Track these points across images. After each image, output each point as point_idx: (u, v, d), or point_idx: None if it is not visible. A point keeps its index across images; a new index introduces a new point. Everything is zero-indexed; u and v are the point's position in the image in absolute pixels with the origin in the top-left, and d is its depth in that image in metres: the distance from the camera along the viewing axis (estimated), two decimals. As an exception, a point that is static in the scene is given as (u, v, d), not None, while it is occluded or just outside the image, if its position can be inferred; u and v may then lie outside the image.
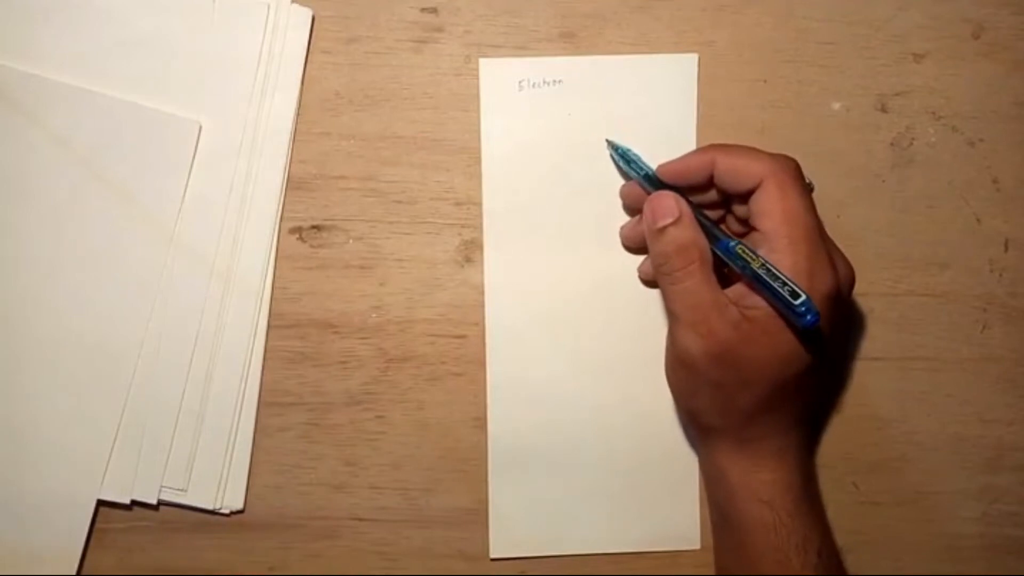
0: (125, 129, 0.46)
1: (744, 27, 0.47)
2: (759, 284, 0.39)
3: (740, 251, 0.40)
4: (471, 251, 0.47)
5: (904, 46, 0.47)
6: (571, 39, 0.47)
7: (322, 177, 0.47)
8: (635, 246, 0.47)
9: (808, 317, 0.38)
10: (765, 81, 0.47)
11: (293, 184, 0.47)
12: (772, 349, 0.40)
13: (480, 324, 0.47)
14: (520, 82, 0.47)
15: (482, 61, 0.47)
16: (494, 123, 0.47)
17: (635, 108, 0.47)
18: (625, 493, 0.48)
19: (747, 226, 0.43)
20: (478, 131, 0.47)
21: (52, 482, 0.46)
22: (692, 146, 0.47)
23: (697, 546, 0.48)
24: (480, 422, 0.47)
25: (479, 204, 0.47)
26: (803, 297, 0.38)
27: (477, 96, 0.47)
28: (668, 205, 0.42)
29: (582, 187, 0.47)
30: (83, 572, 0.47)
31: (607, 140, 0.47)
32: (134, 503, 0.47)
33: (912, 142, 0.47)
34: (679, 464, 0.48)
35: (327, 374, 0.47)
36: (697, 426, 0.45)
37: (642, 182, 0.45)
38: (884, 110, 0.48)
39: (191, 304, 0.46)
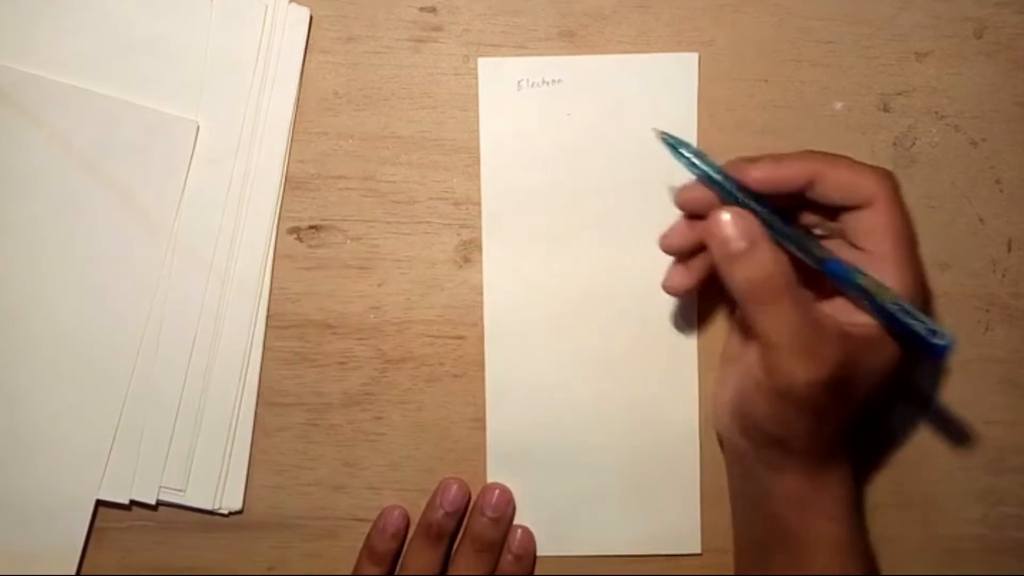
0: (123, 129, 0.46)
1: (745, 26, 0.47)
2: (882, 315, 0.38)
3: (862, 282, 0.38)
4: (470, 251, 0.47)
5: (906, 45, 0.47)
6: (570, 38, 0.47)
7: (320, 177, 0.47)
8: (679, 251, 0.43)
9: (943, 353, 0.38)
10: (766, 80, 0.47)
11: (291, 184, 0.47)
12: (873, 367, 0.39)
13: (479, 325, 0.47)
14: (519, 81, 0.47)
15: (481, 60, 0.47)
16: (493, 123, 0.47)
17: (635, 107, 0.47)
18: (625, 495, 0.48)
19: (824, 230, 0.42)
20: (477, 131, 0.47)
21: (51, 482, 0.46)
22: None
23: (698, 550, 0.48)
24: (479, 423, 0.47)
25: (478, 204, 0.47)
26: (947, 337, 0.37)
27: (476, 95, 0.47)
28: (744, 227, 0.38)
29: (582, 187, 0.47)
30: (82, 572, 0.47)
31: (660, 132, 0.42)
32: (133, 503, 0.47)
33: (915, 142, 0.47)
34: (680, 467, 0.48)
35: (325, 375, 0.47)
36: (776, 452, 0.41)
37: (713, 186, 0.40)
38: (886, 110, 0.47)
39: (189, 304, 0.46)
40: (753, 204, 0.40)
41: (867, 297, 0.39)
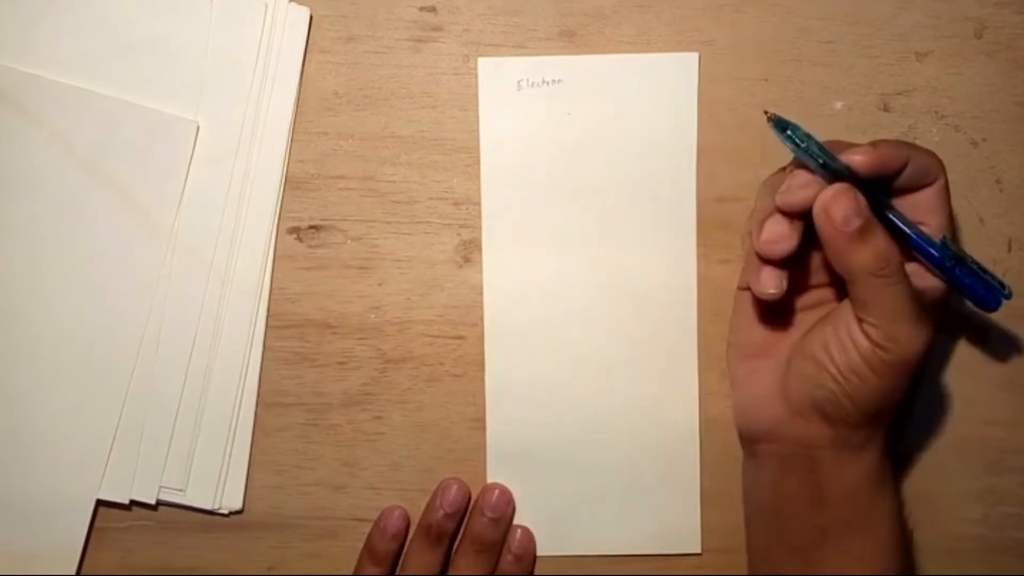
0: (124, 129, 0.46)
1: (745, 26, 0.47)
2: (960, 275, 0.41)
3: (952, 247, 0.41)
4: (470, 251, 0.47)
5: (906, 45, 0.47)
6: (570, 38, 0.47)
7: (320, 177, 0.47)
8: (790, 254, 0.41)
9: (1002, 301, 0.41)
10: (766, 80, 0.47)
11: (291, 184, 0.47)
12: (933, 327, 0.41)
13: (479, 325, 0.47)
14: (519, 81, 0.47)
15: (481, 60, 0.47)
16: (493, 122, 0.47)
17: (635, 107, 0.47)
18: (625, 495, 0.48)
19: None
20: (477, 130, 0.47)
21: (51, 482, 0.46)
22: (692, 146, 0.47)
23: (698, 550, 0.48)
24: (479, 423, 0.47)
25: (478, 204, 0.47)
26: (1007, 287, 0.41)
27: (476, 95, 0.47)
28: (861, 204, 0.39)
29: (582, 187, 0.47)
30: (82, 572, 0.47)
31: (768, 113, 0.41)
32: (133, 503, 0.47)
33: (915, 142, 0.47)
34: (680, 467, 0.48)
35: (325, 375, 0.47)
36: (866, 431, 0.41)
37: (819, 168, 0.39)
38: (887, 109, 0.47)
39: (189, 304, 0.46)
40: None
41: (950, 261, 0.41)
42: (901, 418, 0.43)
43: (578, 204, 0.47)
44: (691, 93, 0.47)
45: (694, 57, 0.47)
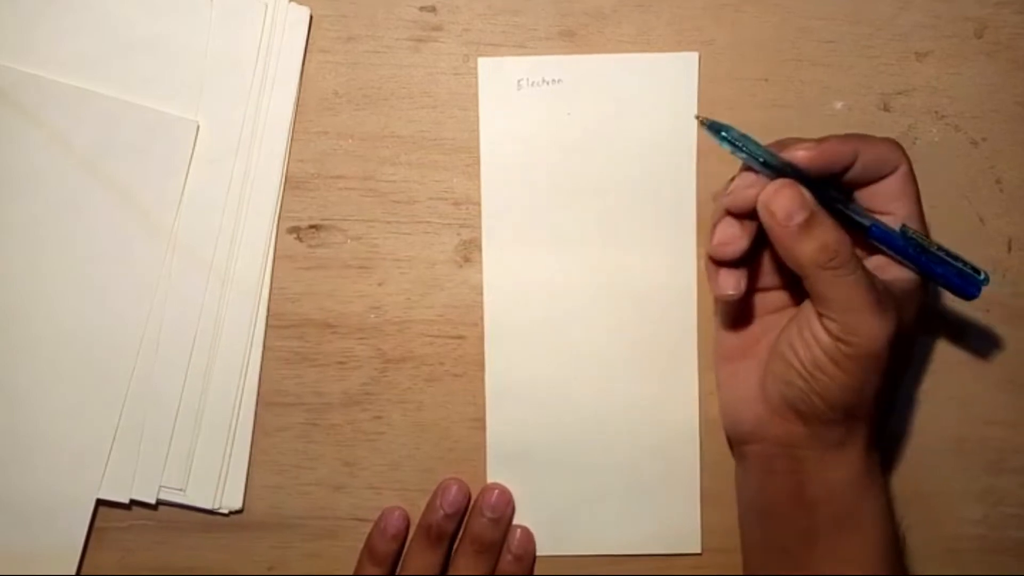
0: (124, 129, 0.46)
1: (745, 25, 0.47)
2: (928, 263, 0.40)
3: (913, 235, 0.40)
4: (470, 251, 0.47)
5: (906, 45, 0.47)
6: (570, 37, 0.47)
7: (320, 177, 0.47)
8: (740, 256, 0.41)
9: (981, 288, 0.40)
10: (766, 80, 0.47)
11: (291, 184, 0.47)
12: (908, 319, 0.40)
13: (479, 325, 0.47)
14: (519, 81, 0.47)
15: (481, 60, 0.47)
16: (493, 122, 0.47)
17: (635, 107, 0.47)
18: (625, 495, 0.48)
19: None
20: (477, 130, 0.47)
21: (51, 481, 0.46)
22: (692, 146, 0.47)
23: (698, 550, 0.48)
24: (479, 423, 0.47)
25: (478, 204, 0.47)
26: (983, 272, 0.40)
27: (476, 95, 0.47)
28: (804, 197, 0.38)
29: (582, 187, 0.47)
30: (82, 572, 0.47)
31: (700, 117, 0.41)
32: (133, 503, 0.47)
33: (915, 142, 0.47)
34: (680, 467, 0.48)
35: (325, 374, 0.47)
36: (841, 428, 0.41)
37: (760, 167, 0.40)
38: (887, 109, 0.47)
39: (189, 304, 0.46)
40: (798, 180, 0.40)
41: (913, 250, 0.40)
42: (883, 415, 0.43)
43: (578, 204, 0.47)
44: (691, 93, 0.47)
45: (694, 57, 0.47)
